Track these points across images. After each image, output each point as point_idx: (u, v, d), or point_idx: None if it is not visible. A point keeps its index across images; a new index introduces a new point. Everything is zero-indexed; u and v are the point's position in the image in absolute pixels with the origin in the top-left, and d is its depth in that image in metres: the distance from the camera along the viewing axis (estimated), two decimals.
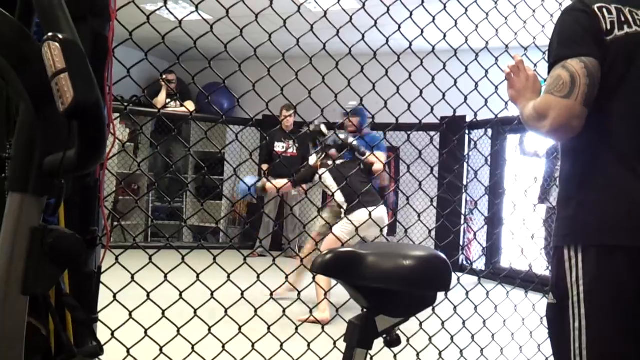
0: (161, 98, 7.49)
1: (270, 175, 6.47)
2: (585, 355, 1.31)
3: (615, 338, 1.32)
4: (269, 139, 6.51)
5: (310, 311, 2.47)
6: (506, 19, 2.34)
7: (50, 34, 0.80)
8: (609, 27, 1.33)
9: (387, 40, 2.18)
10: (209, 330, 2.01)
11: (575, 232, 1.36)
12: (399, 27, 2.19)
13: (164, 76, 7.23)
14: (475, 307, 2.51)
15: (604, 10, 1.35)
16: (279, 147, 6.81)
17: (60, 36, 0.80)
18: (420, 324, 2.32)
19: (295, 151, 6.84)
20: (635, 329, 1.31)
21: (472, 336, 2.49)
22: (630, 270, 1.29)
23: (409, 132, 2.72)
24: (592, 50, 1.32)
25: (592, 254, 1.32)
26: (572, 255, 1.34)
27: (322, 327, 2.18)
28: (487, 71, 2.35)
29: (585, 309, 1.31)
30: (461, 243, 6.49)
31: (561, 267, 1.36)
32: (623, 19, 1.34)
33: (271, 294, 2.35)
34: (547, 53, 1.45)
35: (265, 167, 6.37)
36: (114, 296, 1.83)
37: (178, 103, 7.57)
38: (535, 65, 2.30)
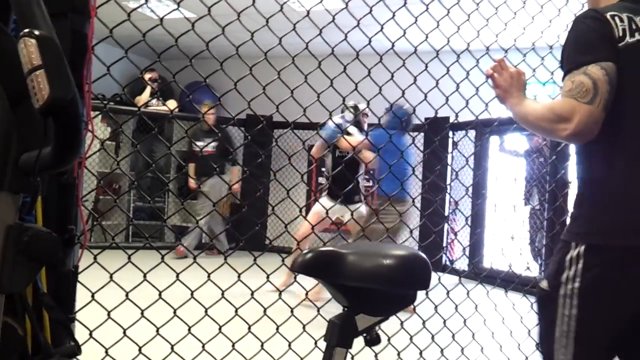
0: (144, 96, 7.43)
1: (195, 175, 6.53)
2: (573, 338, 1.35)
3: (604, 326, 1.35)
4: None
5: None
6: (487, 21, 2.36)
7: (26, 30, 0.79)
8: (620, 34, 1.38)
9: (370, 41, 2.19)
10: (189, 330, 2.00)
11: (585, 230, 1.40)
12: (382, 27, 2.20)
13: (148, 76, 7.18)
14: (456, 307, 2.53)
15: (616, 18, 1.40)
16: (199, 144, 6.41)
17: (36, 32, 0.79)
18: (401, 323, 2.33)
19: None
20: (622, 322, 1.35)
21: (453, 335, 2.50)
22: (634, 269, 1.32)
23: (391, 133, 2.73)
24: (609, 55, 1.37)
25: (596, 251, 1.35)
26: (576, 251, 1.37)
27: (303, 327, 2.18)
28: (468, 73, 2.37)
29: (578, 300, 1.35)
30: (443, 243, 6.53)
31: (562, 260, 1.40)
32: (634, 26, 1.40)
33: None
34: (561, 59, 1.47)
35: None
36: (92, 296, 1.81)
37: (160, 101, 7.52)
38: (515, 67, 2.32)
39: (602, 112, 1.35)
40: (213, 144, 6.23)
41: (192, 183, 6.83)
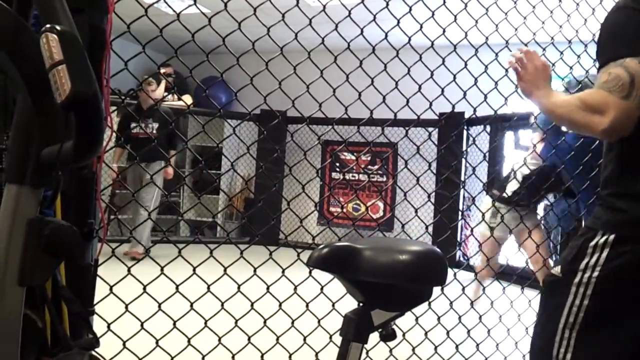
0: (159, 92, 7.47)
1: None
2: (577, 330, 1.32)
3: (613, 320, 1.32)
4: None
5: None
6: (506, 14, 2.33)
7: (48, 25, 0.80)
8: None
9: (386, 35, 2.18)
10: (205, 323, 2.02)
11: (616, 219, 1.35)
12: (398, 22, 2.19)
13: (163, 70, 7.22)
14: (471, 303, 2.52)
15: None
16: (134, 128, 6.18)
17: (58, 28, 0.79)
18: (416, 318, 2.32)
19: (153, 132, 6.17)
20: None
21: (468, 331, 2.49)
22: None
23: (407, 128, 2.72)
24: None
25: (625, 243, 1.31)
26: (602, 239, 1.33)
27: (318, 321, 2.19)
28: (486, 67, 2.35)
29: (593, 291, 1.32)
30: (458, 239, 6.51)
31: (584, 246, 1.36)
32: None
33: None
34: (597, 49, 1.41)
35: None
36: (111, 289, 1.83)
37: (175, 96, 7.55)
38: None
39: (637, 110, 1.29)
40: (154, 126, 5.99)
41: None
